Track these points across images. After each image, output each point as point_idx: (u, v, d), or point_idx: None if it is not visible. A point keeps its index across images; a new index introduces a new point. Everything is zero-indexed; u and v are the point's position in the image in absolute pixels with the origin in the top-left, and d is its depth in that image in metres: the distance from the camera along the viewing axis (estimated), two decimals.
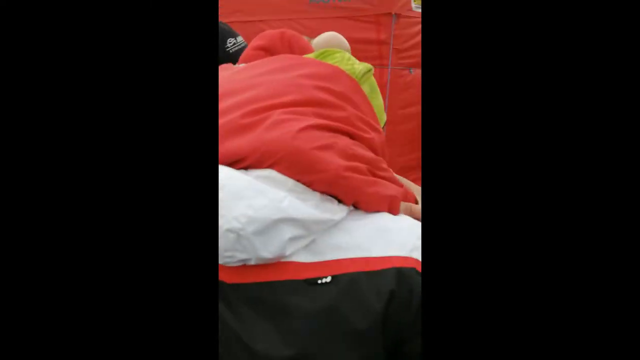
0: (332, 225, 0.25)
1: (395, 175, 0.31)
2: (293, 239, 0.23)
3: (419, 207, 0.30)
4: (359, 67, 0.33)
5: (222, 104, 0.26)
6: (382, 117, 0.36)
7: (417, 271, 0.24)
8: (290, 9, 2.01)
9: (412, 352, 0.24)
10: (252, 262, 0.23)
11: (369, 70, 0.33)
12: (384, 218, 0.27)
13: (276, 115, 0.25)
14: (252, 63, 0.33)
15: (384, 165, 0.29)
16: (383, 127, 0.35)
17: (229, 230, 0.22)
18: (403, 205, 0.29)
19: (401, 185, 0.31)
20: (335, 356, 0.23)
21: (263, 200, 0.22)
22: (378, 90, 0.35)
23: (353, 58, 0.34)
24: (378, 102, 0.35)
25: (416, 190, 0.33)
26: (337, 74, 0.30)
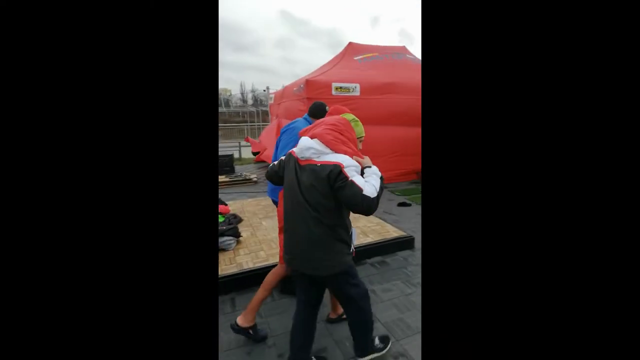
0: (324, 153, 1.31)
1: (359, 153, 1.38)
2: (313, 153, 1.31)
3: (358, 158, 1.34)
4: (349, 117, 1.50)
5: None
6: (360, 133, 1.48)
7: (339, 167, 1.24)
8: None
9: (338, 191, 1.23)
10: (304, 158, 1.36)
11: (353, 119, 1.49)
12: (340, 156, 1.30)
13: (321, 128, 1.38)
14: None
15: (351, 145, 1.38)
16: (360, 138, 1.49)
17: (309, 148, 1.34)
18: (353, 157, 1.33)
19: (355, 151, 1.37)
20: (320, 185, 1.26)
21: (310, 143, 1.34)
22: (358, 124, 1.49)
23: (353, 116, 1.52)
24: (358, 129, 1.48)
25: (367, 160, 1.37)
26: (343, 120, 1.47)
